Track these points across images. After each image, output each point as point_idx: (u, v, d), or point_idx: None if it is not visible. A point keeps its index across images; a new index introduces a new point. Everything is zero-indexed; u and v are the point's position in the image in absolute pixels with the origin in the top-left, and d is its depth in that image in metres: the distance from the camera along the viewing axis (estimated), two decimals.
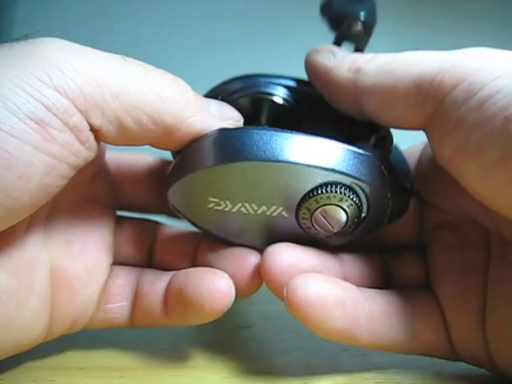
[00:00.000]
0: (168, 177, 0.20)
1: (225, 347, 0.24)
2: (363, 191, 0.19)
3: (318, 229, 0.20)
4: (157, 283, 0.21)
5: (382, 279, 0.22)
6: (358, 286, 0.20)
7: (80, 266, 0.20)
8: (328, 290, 0.19)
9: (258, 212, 0.20)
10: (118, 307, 0.21)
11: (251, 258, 0.20)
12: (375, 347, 0.20)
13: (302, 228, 0.20)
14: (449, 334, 0.20)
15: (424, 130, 0.19)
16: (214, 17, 0.48)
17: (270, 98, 0.23)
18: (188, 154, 0.19)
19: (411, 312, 0.20)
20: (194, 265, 0.22)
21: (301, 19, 0.49)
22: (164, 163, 0.24)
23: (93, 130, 0.17)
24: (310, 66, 0.21)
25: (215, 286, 0.19)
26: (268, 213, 0.20)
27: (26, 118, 0.15)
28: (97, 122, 0.17)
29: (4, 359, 0.19)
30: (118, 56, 0.18)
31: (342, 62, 0.20)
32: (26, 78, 0.15)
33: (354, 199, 0.19)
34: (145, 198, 0.24)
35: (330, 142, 0.19)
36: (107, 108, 0.17)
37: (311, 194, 0.19)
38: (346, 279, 0.20)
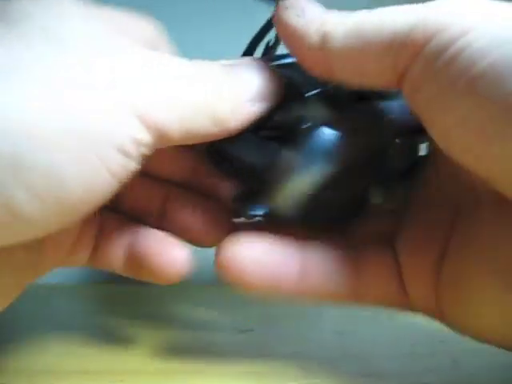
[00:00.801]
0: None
1: (224, 351, 0.24)
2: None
3: None
4: (119, 238, 0.21)
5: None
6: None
7: None
8: (249, 252, 0.20)
9: None
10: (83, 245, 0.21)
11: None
12: (317, 298, 0.20)
13: None
14: (404, 287, 0.20)
15: (398, 87, 0.18)
16: (213, 15, 0.48)
17: None
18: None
19: (362, 263, 0.21)
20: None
21: None
22: None
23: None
24: (279, 22, 0.20)
25: (170, 258, 0.20)
26: None
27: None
28: None
29: (4, 363, 0.19)
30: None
31: (311, 22, 0.19)
32: None
33: None
34: None
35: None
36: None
37: None
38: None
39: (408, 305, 0.21)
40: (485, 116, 0.15)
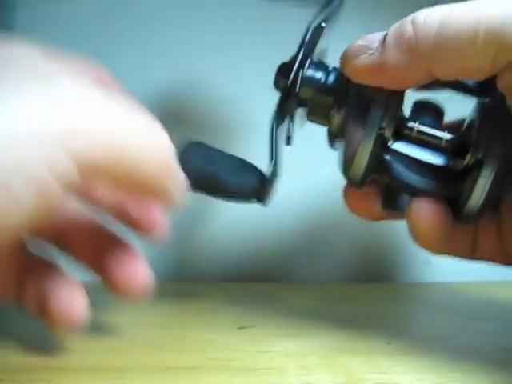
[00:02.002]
0: None
1: (225, 347, 0.24)
2: None
3: None
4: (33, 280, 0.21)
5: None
6: None
7: None
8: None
9: None
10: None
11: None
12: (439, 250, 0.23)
13: None
14: (504, 244, 0.22)
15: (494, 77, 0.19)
16: (214, 18, 0.48)
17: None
18: None
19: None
20: None
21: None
22: None
23: None
24: (355, 74, 0.20)
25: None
26: None
27: None
28: None
29: (4, 359, 0.19)
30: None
31: (387, 49, 0.19)
32: None
33: None
34: None
35: None
36: None
37: None
38: None
39: (507, 259, 0.23)
40: None
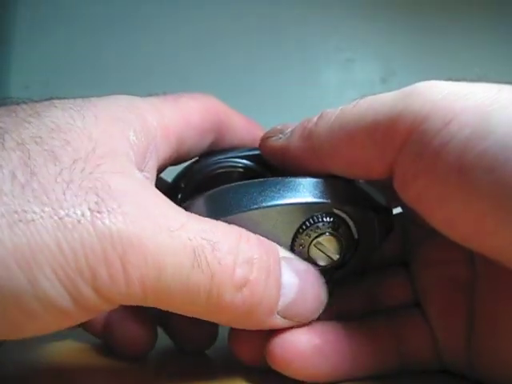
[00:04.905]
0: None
1: (224, 346, 0.24)
2: (347, 214, 0.20)
3: (319, 262, 0.20)
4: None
5: (367, 305, 0.22)
6: (342, 317, 0.20)
7: None
8: (305, 341, 0.19)
9: None
10: None
11: None
12: (369, 375, 0.20)
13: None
14: (437, 349, 0.20)
15: (389, 180, 0.18)
16: (214, 17, 0.48)
17: (232, 170, 0.23)
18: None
19: (401, 334, 0.20)
20: None
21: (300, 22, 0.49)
22: None
23: None
24: (267, 153, 0.21)
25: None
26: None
27: None
28: None
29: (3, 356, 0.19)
30: None
31: (292, 135, 0.20)
32: None
33: (341, 224, 0.19)
34: None
35: (301, 178, 0.19)
36: None
37: (300, 231, 0.19)
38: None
39: (441, 365, 0.20)
40: (484, 207, 0.15)
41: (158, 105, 0.20)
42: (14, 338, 0.15)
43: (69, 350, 0.22)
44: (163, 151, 0.19)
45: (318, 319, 0.19)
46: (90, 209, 0.15)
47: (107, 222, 0.15)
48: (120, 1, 0.48)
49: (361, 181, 0.21)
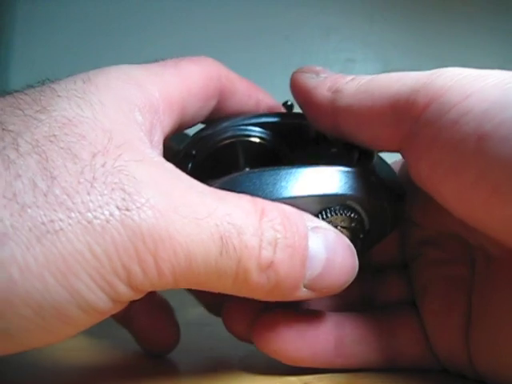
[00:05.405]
0: None
1: (224, 345, 0.24)
2: (361, 206, 0.19)
3: None
4: None
5: (362, 300, 0.22)
6: (337, 310, 0.21)
7: None
8: (289, 324, 0.20)
9: None
10: None
11: None
12: (355, 367, 0.20)
13: None
14: (432, 348, 0.20)
15: (400, 151, 0.19)
16: (214, 18, 0.48)
17: (246, 139, 0.23)
18: None
19: (391, 330, 0.20)
20: None
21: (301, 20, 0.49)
22: None
23: None
24: (293, 85, 0.21)
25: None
26: None
27: None
28: None
29: None
30: None
31: (324, 82, 0.20)
32: None
33: (355, 216, 0.19)
34: None
35: (315, 168, 0.19)
36: None
37: None
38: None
39: (437, 364, 0.20)
40: (499, 175, 0.15)
41: (159, 72, 0.19)
42: (48, 345, 0.15)
43: (69, 350, 0.22)
44: (167, 123, 0.19)
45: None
46: (117, 207, 0.14)
47: (137, 219, 0.14)
48: (120, 1, 0.48)
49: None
